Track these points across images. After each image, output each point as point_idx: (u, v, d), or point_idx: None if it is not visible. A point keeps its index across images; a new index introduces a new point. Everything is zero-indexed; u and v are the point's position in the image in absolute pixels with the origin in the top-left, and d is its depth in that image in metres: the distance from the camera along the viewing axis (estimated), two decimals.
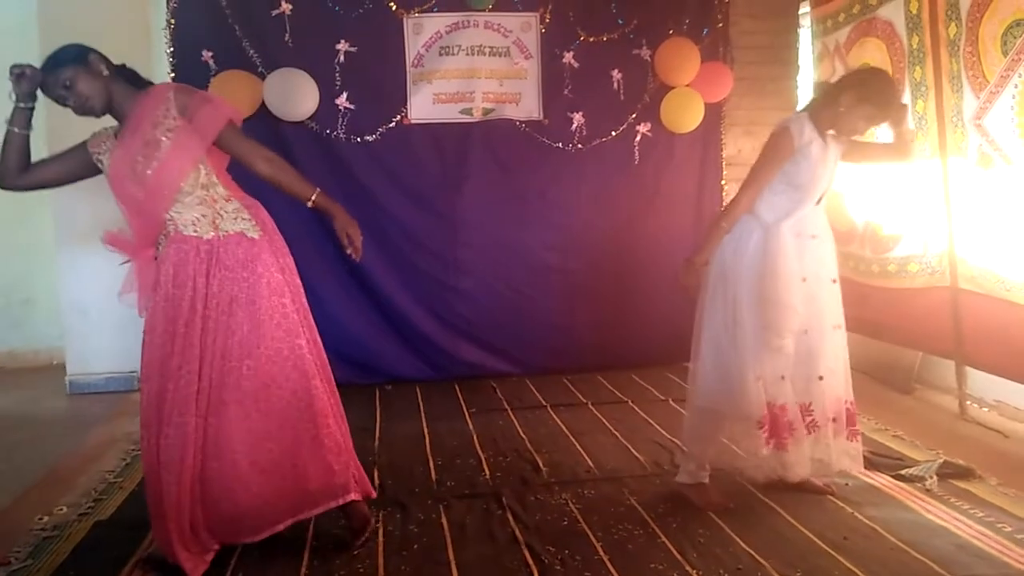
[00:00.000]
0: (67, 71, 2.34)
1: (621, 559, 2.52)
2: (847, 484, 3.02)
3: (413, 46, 4.59)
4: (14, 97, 2.35)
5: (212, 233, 2.44)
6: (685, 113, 4.72)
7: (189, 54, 4.32)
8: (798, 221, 2.83)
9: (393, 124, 4.56)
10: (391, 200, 4.57)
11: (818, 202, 2.88)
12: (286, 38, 4.37)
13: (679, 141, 4.84)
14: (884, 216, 4.10)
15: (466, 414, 4.09)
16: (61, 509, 2.96)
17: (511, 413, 4.08)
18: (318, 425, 2.53)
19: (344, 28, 4.45)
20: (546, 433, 3.76)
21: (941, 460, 3.14)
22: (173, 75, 4.29)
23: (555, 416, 4.01)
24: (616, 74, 4.74)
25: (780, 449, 2.83)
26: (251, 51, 4.36)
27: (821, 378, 2.85)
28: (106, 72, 2.40)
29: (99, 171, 2.48)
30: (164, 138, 2.37)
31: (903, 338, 4.15)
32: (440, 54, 4.61)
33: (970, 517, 2.74)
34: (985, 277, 3.45)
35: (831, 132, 2.84)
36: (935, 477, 3.03)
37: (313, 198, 2.49)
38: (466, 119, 4.66)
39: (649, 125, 4.78)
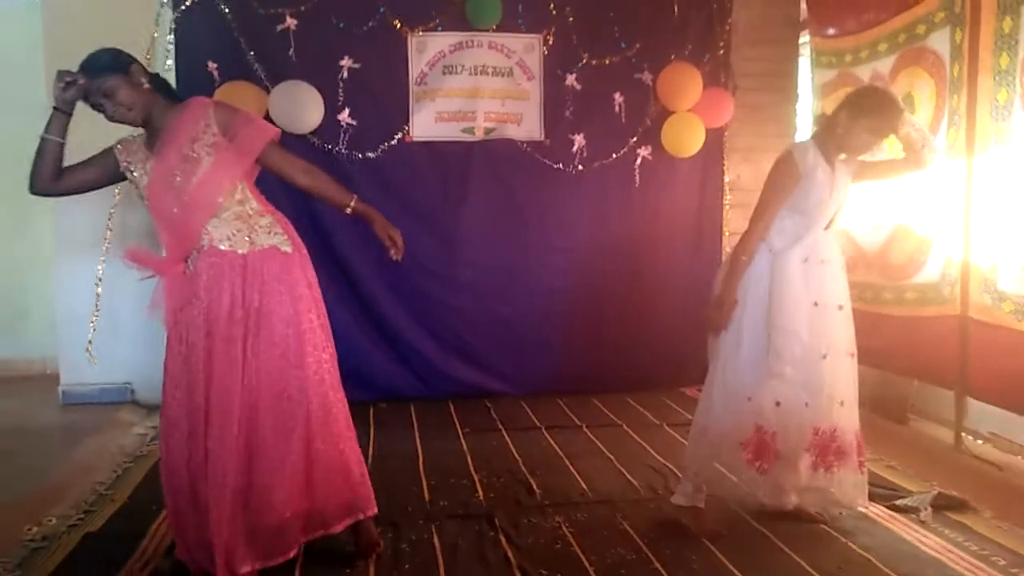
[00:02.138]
0: (109, 79, 2.34)
1: None
2: (840, 514, 3.01)
3: (417, 64, 4.61)
4: (54, 104, 2.35)
5: (247, 248, 2.45)
6: (686, 138, 4.74)
7: (194, 64, 4.33)
8: (807, 247, 2.85)
9: (395, 141, 4.58)
10: (390, 217, 4.45)
11: (827, 227, 2.89)
12: (290, 52, 4.39)
13: (680, 165, 4.86)
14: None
15: (460, 433, 4.07)
16: (51, 520, 2.93)
17: (505, 433, 4.06)
18: (344, 439, 2.59)
19: (348, 44, 4.47)
20: (540, 455, 3.75)
21: (936, 491, 3.13)
22: (178, 84, 4.30)
23: (549, 438, 4.00)
24: (618, 97, 4.77)
25: (762, 473, 2.83)
26: (255, 64, 4.37)
27: (842, 403, 2.85)
28: (146, 84, 2.41)
29: (125, 178, 2.48)
30: (204, 154, 2.39)
31: (904, 367, 4.14)
32: (443, 73, 4.63)
33: (964, 550, 2.73)
34: (998, 307, 3.45)
35: (842, 157, 2.87)
36: (929, 508, 3.02)
37: (352, 204, 2.57)
38: (468, 138, 4.68)
39: (650, 148, 4.81)
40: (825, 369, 2.83)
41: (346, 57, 4.47)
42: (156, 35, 4.32)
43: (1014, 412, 3.50)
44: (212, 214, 2.43)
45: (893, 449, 3.76)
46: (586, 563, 2.64)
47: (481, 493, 3.27)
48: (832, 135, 2.84)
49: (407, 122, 4.61)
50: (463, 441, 3.94)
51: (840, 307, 2.88)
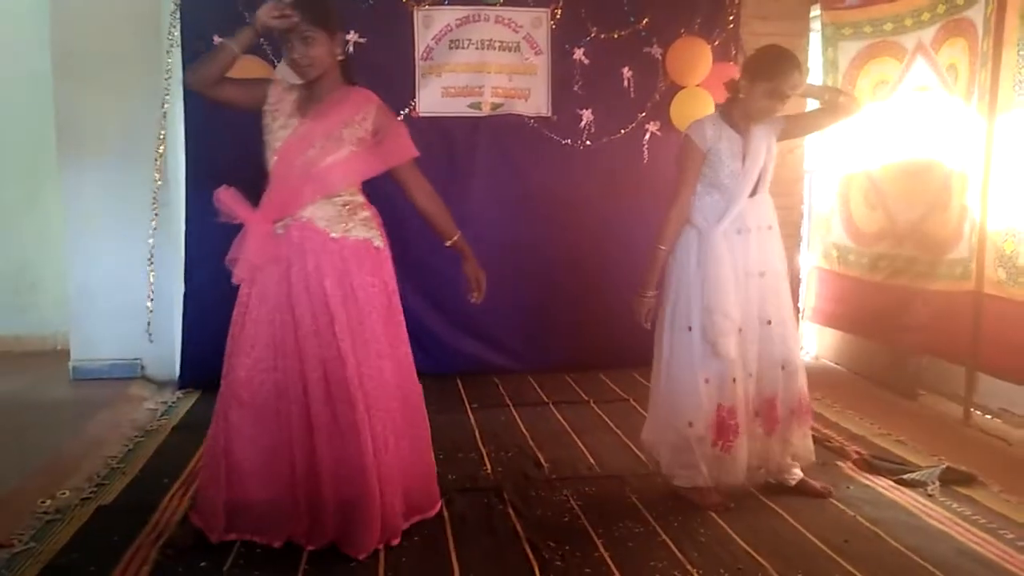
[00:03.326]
0: (318, 31, 2.42)
1: (621, 556, 2.52)
2: (849, 488, 3.02)
3: (423, 39, 4.58)
4: (253, 24, 2.43)
5: (340, 233, 2.51)
6: (695, 113, 4.63)
7: (199, 38, 4.29)
8: (736, 219, 2.85)
9: (401, 117, 4.53)
10: (396, 193, 4.53)
11: (753, 194, 2.88)
12: None
13: None
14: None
15: (468, 409, 4.09)
16: (64, 493, 2.96)
17: (513, 409, 4.08)
18: (425, 433, 2.72)
19: (354, 19, 4.42)
20: (548, 430, 3.76)
21: (944, 466, 3.14)
22: (183, 58, 4.28)
23: (557, 413, 4.01)
24: (627, 72, 4.73)
25: (725, 452, 2.85)
26: (261, 38, 4.33)
27: (783, 367, 2.90)
28: (340, 55, 2.51)
29: (258, 113, 2.54)
30: (348, 143, 2.48)
31: (916, 341, 4.12)
32: (450, 48, 4.60)
33: (972, 523, 2.74)
34: (1015, 281, 3.44)
35: (753, 123, 2.85)
36: (937, 483, 3.03)
37: (455, 239, 2.71)
38: (474, 113, 4.65)
39: (659, 124, 4.77)
40: (773, 335, 2.87)
41: (351, 32, 4.43)
42: (161, 8, 4.30)
43: None
44: (325, 194, 2.49)
45: (902, 424, 3.76)
46: (594, 536, 2.66)
47: (489, 467, 3.29)
48: (736, 103, 2.83)
49: (413, 97, 4.58)
50: (471, 416, 3.96)
51: (779, 271, 2.91)
